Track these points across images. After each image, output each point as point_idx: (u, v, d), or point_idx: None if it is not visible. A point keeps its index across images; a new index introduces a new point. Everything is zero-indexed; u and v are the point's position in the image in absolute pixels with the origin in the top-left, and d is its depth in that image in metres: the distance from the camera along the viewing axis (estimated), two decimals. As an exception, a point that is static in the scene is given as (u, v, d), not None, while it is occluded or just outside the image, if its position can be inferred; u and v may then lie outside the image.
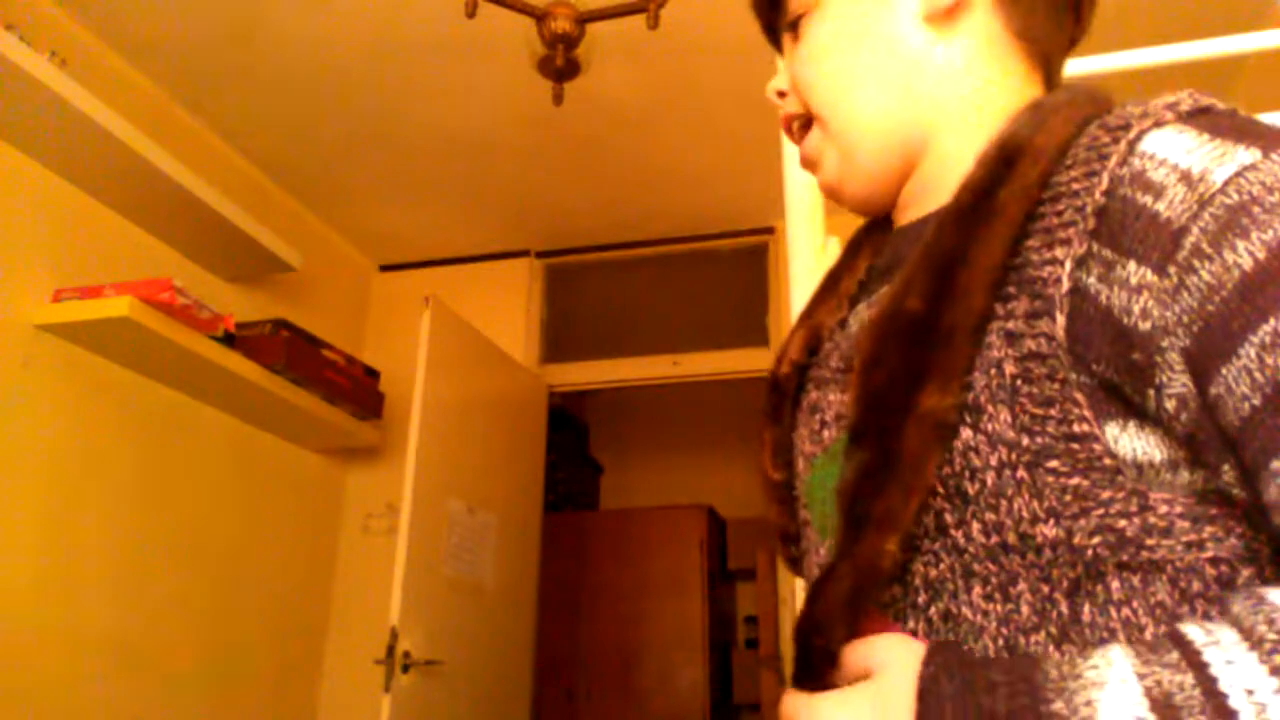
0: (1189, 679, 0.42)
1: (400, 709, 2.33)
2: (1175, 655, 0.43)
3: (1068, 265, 0.50)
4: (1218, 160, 0.48)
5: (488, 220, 3.26)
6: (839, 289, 0.72)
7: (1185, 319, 0.47)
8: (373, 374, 2.89)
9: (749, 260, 3.33)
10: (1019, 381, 0.51)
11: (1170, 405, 0.48)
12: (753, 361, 3.25)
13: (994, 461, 0.51)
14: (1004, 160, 0.55)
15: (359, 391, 2.79)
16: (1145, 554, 0.49)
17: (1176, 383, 0.47)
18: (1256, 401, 0.44)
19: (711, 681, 4.02)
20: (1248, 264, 0.45)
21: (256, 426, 2.75)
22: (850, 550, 0.53)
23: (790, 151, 1.06)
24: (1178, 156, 0.49)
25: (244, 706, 2.63)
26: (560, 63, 1.86)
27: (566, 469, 4.42)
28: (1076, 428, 0.50)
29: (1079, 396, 0.50)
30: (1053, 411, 0.50)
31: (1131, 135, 0.51)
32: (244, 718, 2.62)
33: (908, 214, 0.68)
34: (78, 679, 2.12)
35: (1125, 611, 0.49)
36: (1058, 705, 0.43)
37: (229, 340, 2.34)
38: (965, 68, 0.63)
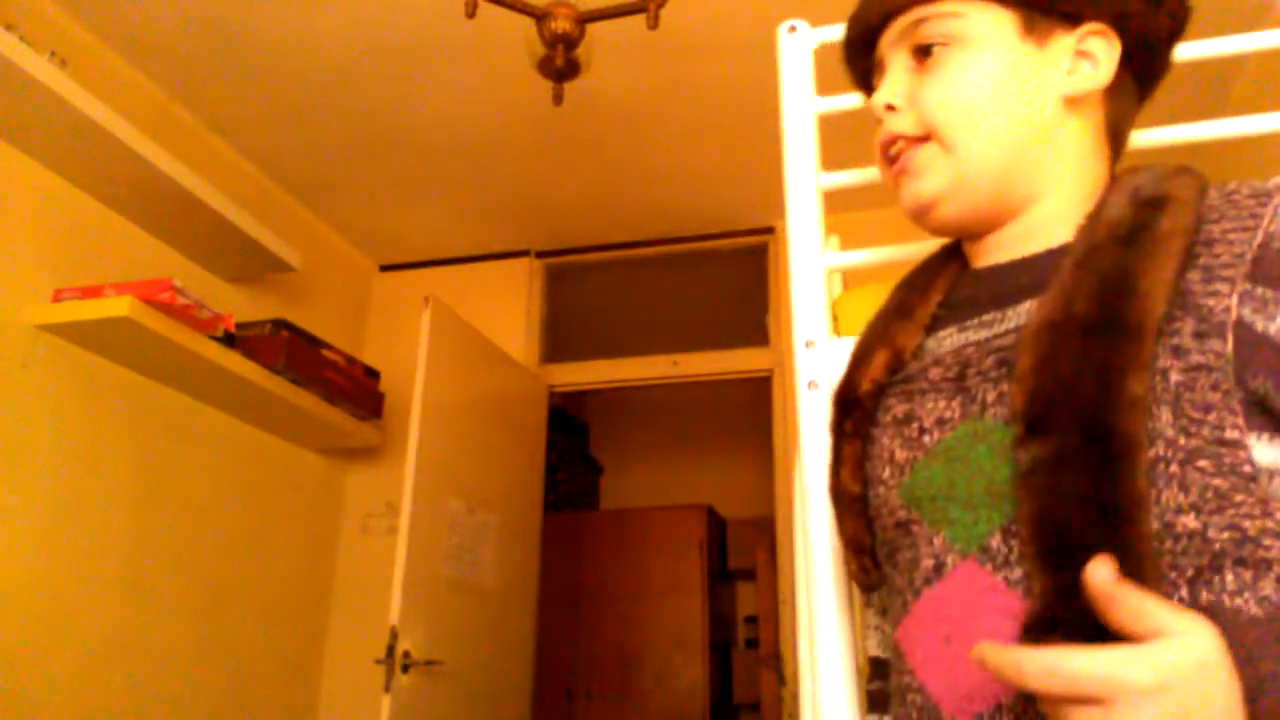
0: None
1: (400, 709, 2.33)
2: None
3: (1234, 299, 0.59)
4: None
5: (488, 220, 3.26)
6: (914, 317, 0.78)
7: None
8: (373, 374, 2.89)
9: (749, 260, 3.33)
10: (1182, 389, 0.58)
11: None
12: (753, 361, 3.25)
13: (1152, 455, 0.57)
14: (1149, 204, 0.64)
15: (359, 391, 2.80)
16: (1261, 552, 0.55)
17: None
18: None
19: (711, 681, 4.02)
20: None
21: (256, 426, 2.75)
22: (1104, 533, 0.56)
23: (790, 152, 1.06)
24: None
25: (244, 706, 2.63)
26: (560, 63, 1.86)
27: (566, 469, 4.42)
28: (1228, 434, 0.57)
29: (1236, 406, 0.57)
30: (1210, 417, 0.57)
31: (1277, 200, 0.61)
32: (244, 718, 2.63)
33: (998, 256, 0.75)
34: (78, 678, 2.12)
35: (1238, 601, 0.55)
36: None
37: (229, 340, 2.34)
38: (1076, 145, 0.73)
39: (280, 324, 2.50)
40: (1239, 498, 0.56)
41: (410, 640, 2.40)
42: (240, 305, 2.73)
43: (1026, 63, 0.72)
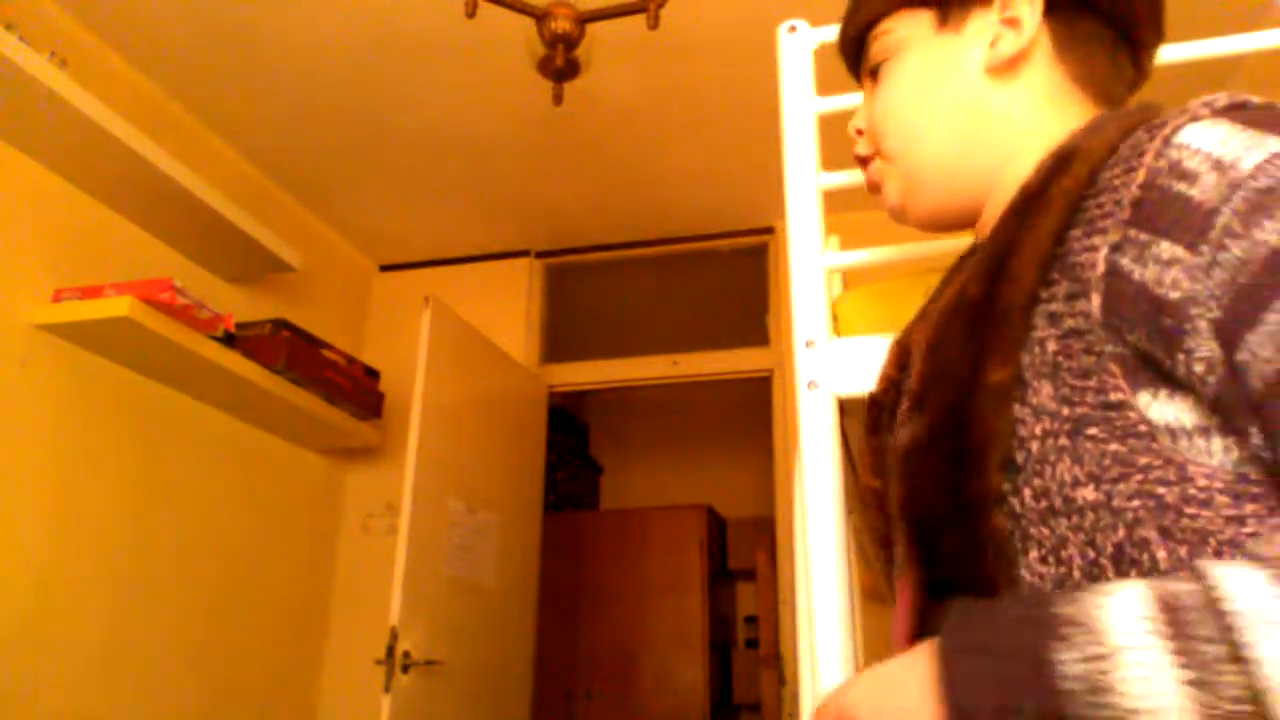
0: (1196, 587, 0.45)
1: (400, 709, 2.33)
2: (1187, 574, 0.46)
3: (1103, 250, 0.55)
4: (1248, 148, 0.52)
5: (488, 220, 3.26)
6: (926, 312, 0.78)
7: (1217, 291, 0.50)
8: (373, 374, 2.89)
9: (749, 260, 3.33)
10: (1060, 357, 0.55)
11: (1199, 368, 0.52)
12: (753, 361, 3.25)
13: (1039, 431, 0.55)
14: (1056, 163, 0.62)
15: (359, 391, 2.80)
16: (1187, 522, 0.51)
17: (1204, 348, 0.51)
18: (1279, 364, 0.48)
19: (711, 681, 4.02)
20: (1275, 240, 0.49)
21: (256, 426, 2.75)
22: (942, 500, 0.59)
23: (790, 152, 1.06)
24: (1211, 146, 0.54)
25: (244, 706, 2.63)
26: (560, 63, 1.86)
27: (566, 469, 4.42)
28: (1112, 396, 0.54)
29: (1114, 367, 0.54)
30: (1090, 383, 0.54)
31: (1168, 131, 0.56)
32: (244, 717, 2.63)
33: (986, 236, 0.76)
34: (78, 678, 2.12)
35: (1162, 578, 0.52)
36: (1068, 609, 0.47)
37: (229, 340, 2.34)
38: (1027, 112, 0.71)
39: (280, 324, 2.50)
40: (1143, 461, 0.52)
41: (410, 640, 2.40)
42: (240, 305, 2.73)
43: (942, 53, 0.73)
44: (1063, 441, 0.54)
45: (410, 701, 2.38)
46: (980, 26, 0.72)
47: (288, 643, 2.85)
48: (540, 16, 1.85)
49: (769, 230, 3.26)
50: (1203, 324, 0.51)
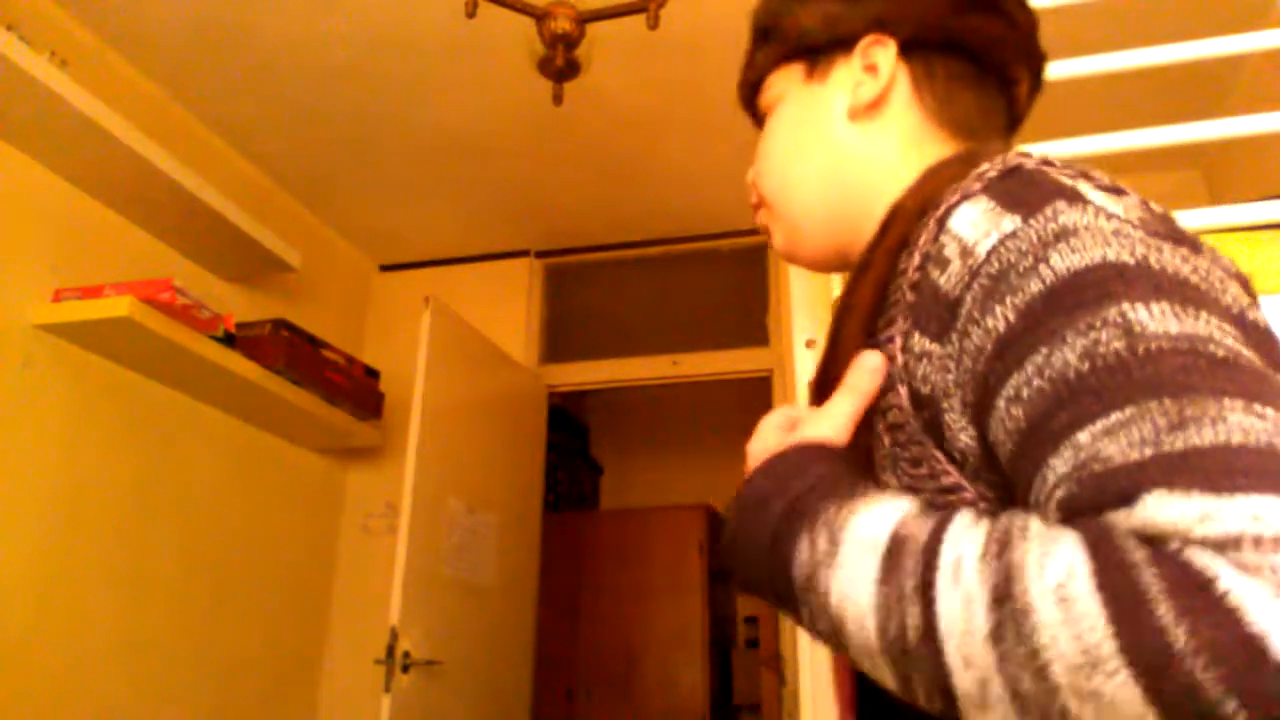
0: (929, 528, 0.48)
1: (400, 709, 2.33)
2: (939, 514, 0.49)
3: (898, 341, 0.57)
4: (985, 232, 0.54)
5: (488, 220, 3.26)
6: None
7: (964, 379, 0.53)
8: (373, 374, 2.89)
9: (749, 260, 3.33)
10: (895, 448, 0.58)
11: (958, 456, 0.55)
12: (753, 361, 3.25)
13: None
14: (885, 221, 0.64)
15: (359, 391, 2.80)
16: None
17: (959, 438, 0.54)
18: (1011, 447, 0.50)
19: (711, 681, 4.02)
20: (1001, 327, 0.51)
21: (256, 426, 2.75)
22: None
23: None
24: (963, 230, 0.55)
25: (244, 706, 2.63)
26: (560, 63, 1.86)
27: (566, 469, 4.42)
28: (944, 480, 0.55)
29: (938, 454, 0.55)
30: (923, 470, 0.56)
31: (940, 213, 0.58)
32: (244, 717, 2.63)
33: None
34: (78, 678, 2.12)
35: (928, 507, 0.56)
36: (833, 510, 0.52)
37: (229, 340, 2.34)
38: (888, 154, 0.72)
39: (280, 324, 2.50)
40: (948, 513, 0.54)
41: (410, 640, 2.40)
42: (240, 305, 2.73)
43: (810, 102, 0.75)
44: None
45: (410, 701, 2.38)
46: (843, 76, 0.73)
47: (288, 643, 2.85)
48: (540, 16, 1.85)
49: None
50: (953, 416, 0.54)
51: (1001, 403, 0.51)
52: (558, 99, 1.94)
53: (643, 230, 3.31)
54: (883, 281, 0.61)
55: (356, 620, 3.02)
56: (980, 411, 0.52)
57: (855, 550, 0.49)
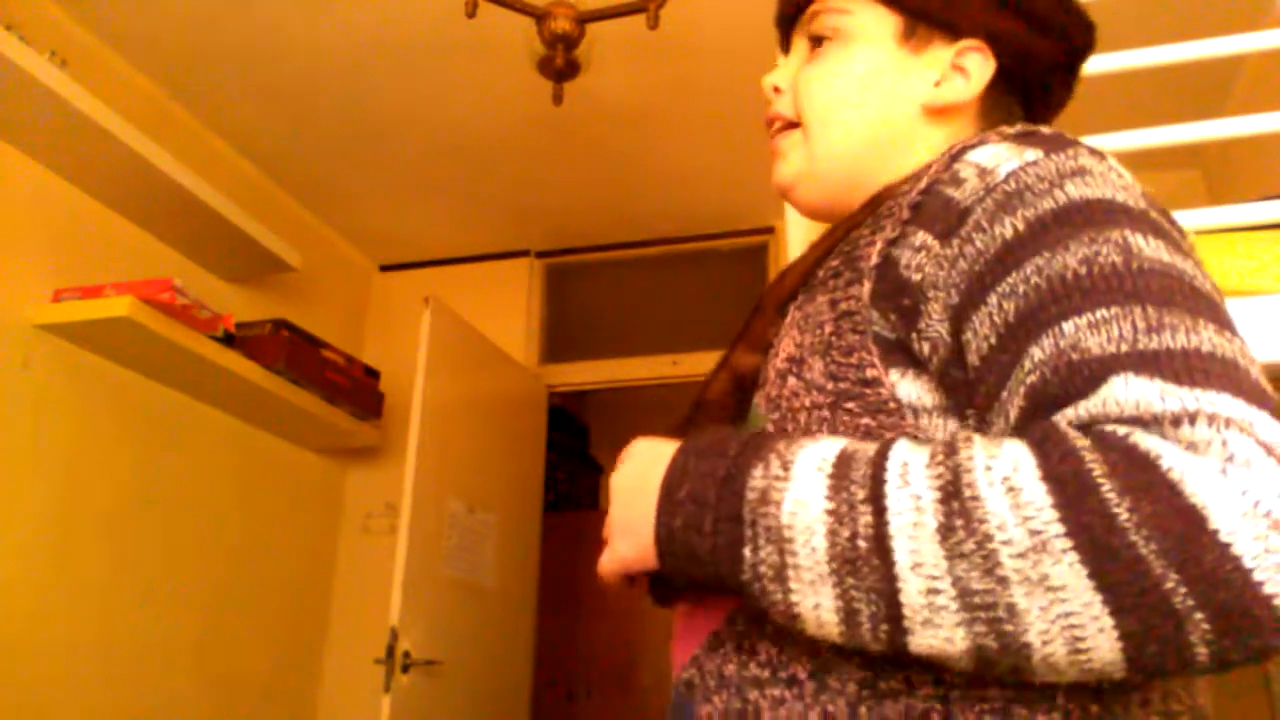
0: (875, 447, 0.50)
1: (400, 709, 2.33)
2: (880, 440, 0.51)
3: (879, 244, 0.60)
4: (1007, 158, 0.57)
5: (488, 220, 3.26)
6: None
7: (957, 280, 0.55)
8: (373, 374, 2.89)
9: (749, 260, 3.33)
10: (833, 337, 0.60)
11: (925, 348, 0.57)
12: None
13: (807, 403, 0.60)
14: (873, 199, 0.68)
15: (359, 391, 2.79)
16: None
17: (932, 329, 0.56)
18: (993, 340, 0.52)
19: (711, 681, 4.01)
20: (1009, 233, 0.54)
21: (256, 426, 2.75)
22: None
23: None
24: (982, 158, 0.59)
25: (244, 706, 2.63)
26: (560, 63, 1.87)
27: (566, 469, 4.42)
28: (868, 373, 0.58)
29: (873, 346, 0.58)
30: (853, 359, 0.59)
31: (957, 149, 0.61)
32: (244, 717, 2.62)
33: None
34: (77, 678, 2.12)
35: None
36: (780, 444, 0.53)
37: (229, 340, 2.34)
38: (935, 152, 0.72)
39: (280, 324, 2.50)
40: (889, 435, 0.56)
41: (410, 640, 2.40)
42: (240, 305, 2.73)
43: (896, 66, 0.73)
44: (824, 414, 0.59)
45: (410, 701, 2.38)
46: (934, 59, 0.73)
47: (288, 642, 2.85)
48: (540, 16, 1.85)
49: (769, 230, 3.26)
50: (935, 307, 0.56)
51: (994, 298, 0.53)
52: (558, 99, 1.94)
53: (643, 230, 3.31)
54: (861, 216, 0.66)
55: (356, 620, 3.01)
56: (965, 309, 0.54)
57: (806, 470, 0.50)
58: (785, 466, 0.51)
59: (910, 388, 0.57)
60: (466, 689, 2.64)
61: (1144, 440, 0.43)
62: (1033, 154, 0.57)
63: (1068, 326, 0.49)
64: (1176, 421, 0.43)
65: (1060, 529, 0.42)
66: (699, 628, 0.63)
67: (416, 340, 2.65)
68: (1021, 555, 0.43)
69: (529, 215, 3.24)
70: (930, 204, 0.59)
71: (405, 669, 2.37)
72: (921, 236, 0.58)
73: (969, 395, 0.55)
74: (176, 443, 2.47)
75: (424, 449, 2.54)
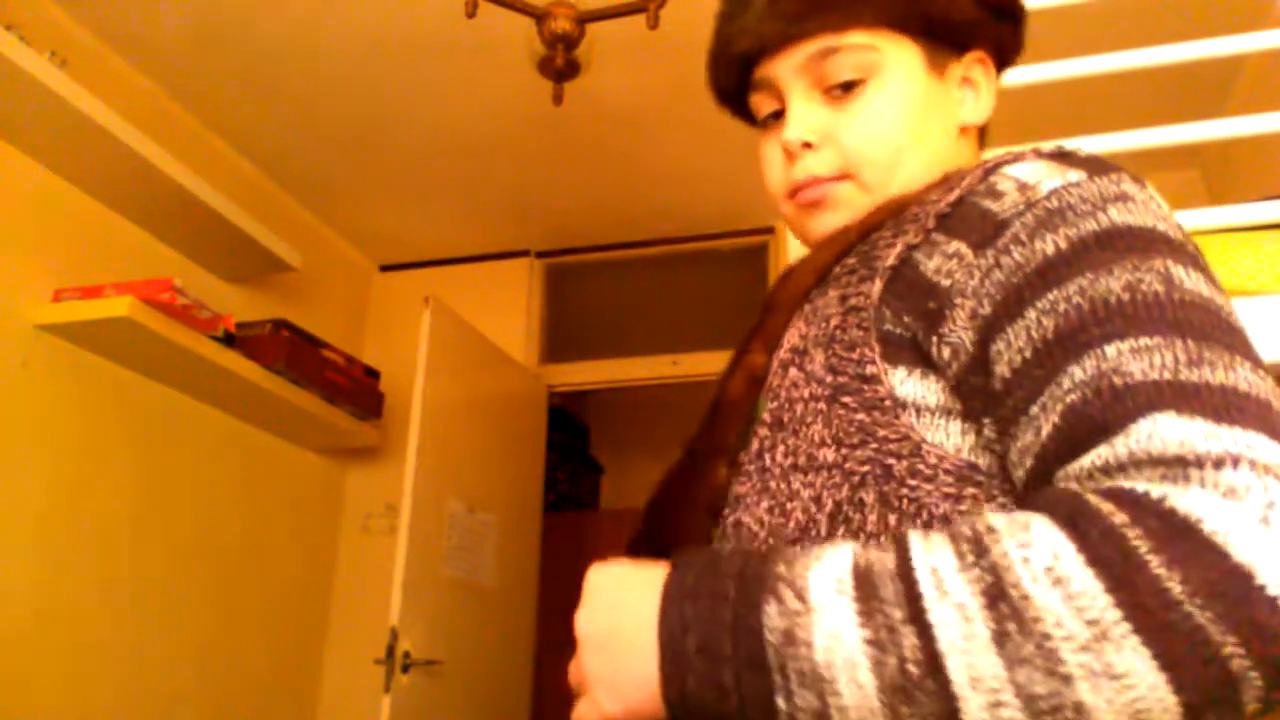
0: (891, 556, 0.47)
1: (400, 709, 2.33)
2: (890, 544, 0.48)
3: (899, 247, 0.60)
4: (1050, 176, 0.58)
5: (488, 220, 3.26)
6: None
7: (991, 290, 0.55)
8: (373, 374, 2.89)
9: (749, 260, 3.33)
10: (838, 330, 0.60)
11: (945, 352, 0.56)
12: (753, 361, 3.24)
13: (806, 394, 0.60)
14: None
15: (359, 391, 2.79)
16: (906, 492, 0.55)
17: (955, 335, 0.56)
18: (1029, 354, 0.52)
19: (711, 681, 4.01)
20: (1050, 250, 0.54)
21: (256, 426, 2.75)
22: (692, 472, 0.67)
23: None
24: (1022, 174, 0.59)
25: (244, 706, 2.63)
26: (560, 63, 1.86)
27: (566, 469, 4.42)
28: (868, 369, 0.58)
29: (875, 344, 0.58)
30: (854, 354, 0.59)
31: (992, 164, 0.61)
32: (244, 717, 2.62)
33: None
34: (78, 678, 2.12)
35: (874, 543, 0.51)
36: (781, 568, 0.49)
37: (229, 340, 2.34)
38: (967, 161, 0.73)
39: (280, 324, 2.50)
40: (883, 433, 0.57)
41: (410, 640, 2.40)
42: (240, 305, 2.73)
43: (933, 96, 0.72)
44: (820, 406, 0.59)
45: (410, 701, 2.38)
46: (953, 79, 0.74)
47: (288, 643, 2.85)
48: (540, 16, 1.85)
49: (769, 230, 3.26)
50: (961, 314, 0.55)
51: (1032, 313, 0.53)
52: (558, 99, 1.94)
53: (643, 230, 3.31)
54: (880, 219, 0.66)
55: (356, 620, 3.01)
56: (997, 320, 0.54)
57: (826, 596, 0.46)
58: (801, 596, 0.47)
59: (916, 387, 0.57)
60: (466, 689, 2.64)
61: (1180, 501, 0.42)
62: (1075, 175, 0.57)
63: (1110, 350, 0.49)
64: (1219, 464, 0.43)
65: (1118, 614, 0.41)
66: None
67: (416, 340, 2.65)
68: (1084, 649, 0.41)
69: (529, 215, 3.24)
70: (965, 214, 0.59)
71: (405, 669, 2.37)
72: (955, 245, 0.58)
73: (986, 404, 0.55)
74: (176, 443, 2.47)
75: (424, 449, 2.54)
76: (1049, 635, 0.41)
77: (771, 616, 0.47)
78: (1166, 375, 0.46)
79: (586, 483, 4.75)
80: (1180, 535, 0.41)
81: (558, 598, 3.95)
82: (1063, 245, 0.54)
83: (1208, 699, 0.40)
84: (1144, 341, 0.48)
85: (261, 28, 2.32)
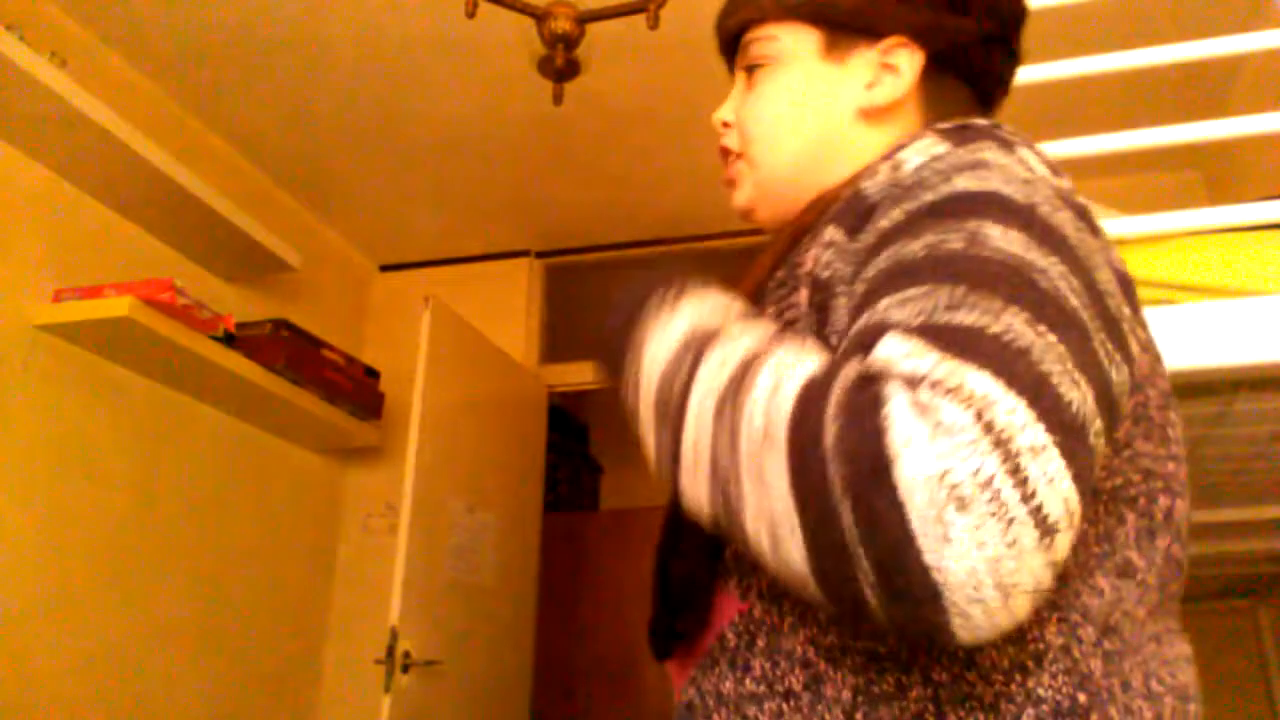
0: (739, 348, 0.53)
1: (400, 709, 2.33)
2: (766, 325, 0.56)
3: (813, 250, 0.62)
4: (917, 152, 0.60)
5: (488, 220, 3.26)
6: None
7: (861, 271, 0.56)
8: (373, 374, 2.89)
9: (748, 260, 3.32)
10: (801, 310, 0.62)
11: (835, 341, 0.58)
12: (753, 361, 3.24)
13: None
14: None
15: (359, 391, 2.79)
16: None
17: (840, 324, 0.57)
18: (876, 277, 0.53)
19: (711, 681, 4.01)
20: (887, 224, 0.56)
21: (256, 426, 2.75)
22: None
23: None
24: (904, 154, 0.61)
25: (244, 706, 2.63)
26: (560, 63, 1.86)
27: (566, 469, 4.42)
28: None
29: (809, 318, 0.60)
30: None
31: (892, 149, 0.63)
32: (244, 717, 2.62)
33: None
34: (77, 678, 2.12)
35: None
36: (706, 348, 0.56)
37: (229, 340, 2.34)
38: (881, 149, 0.73)
39: (280, 324, 2.50)
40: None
41: (410, 640, 2.40)
42: (240, 305, 2.73)
43: (823, 79, 0.75)
44: None
45: (410, 701, 2.38)
46: (861, 64, 0.74)
47: (288, 643, 2.85)
48: (540, 16, 1.85)
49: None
50: (842, 301, 0.57)
51: (860, 284, 0.55)
52: (558, 99, 1.94)
53: (643, 230, 3.31)
54: (808, 221, 0.67)
55: (356, 620, 3.02)
56: (865, 301, 0.55)
57: (680, 328, 0.57)
58: (675, 309, 0.61)
59: None
60: (466, 689, 2.64)
61: (888, 389, 0.43)
62: (939, 149, 0.59)
63: (884, 302, 0.50)
64: (911, 382, 0.43)
65: (785, 429, 0.45)
66: (695, 649, 0.64)
67: (416, 340, 2.65)
68: (754, 440, 0.46)
69: (529, 215, 3.24)
70: (850, 198, 0.61)
71: (405, 669, 2.37)
72: (830, 232, 0.60)
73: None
74: (177, 443, 2.47)
75: (424, 449, 2.54)
76: (743, 418, 0.48)
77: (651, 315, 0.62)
78: (920, 319, 0.46)
79: (586, 483, 4.75)
80: (865, 407, 0.43)
81: (558, 598, 3.96)
82: (899, 218, 0.55)
83: (824, 549, 0.43)
84: (911, 292, 0.49)
85: (261, 28, 2.32)
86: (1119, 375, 0.51)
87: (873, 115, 0.74)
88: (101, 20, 2.30)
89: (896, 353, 0.45)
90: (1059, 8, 1.29)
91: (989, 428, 0.41)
